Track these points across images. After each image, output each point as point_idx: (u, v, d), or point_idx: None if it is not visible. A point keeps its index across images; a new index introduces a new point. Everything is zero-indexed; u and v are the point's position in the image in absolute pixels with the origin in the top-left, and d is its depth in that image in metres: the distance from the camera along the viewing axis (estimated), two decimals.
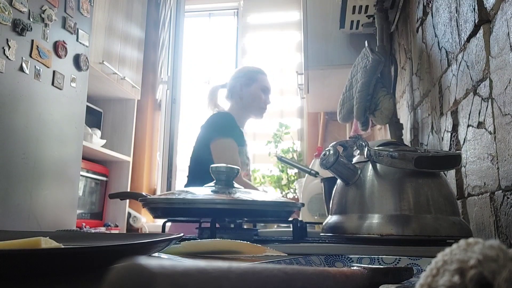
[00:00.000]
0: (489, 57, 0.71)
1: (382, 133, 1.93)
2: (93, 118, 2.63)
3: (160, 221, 1.27)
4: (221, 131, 1.72)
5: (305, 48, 1.94)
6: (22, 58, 1.60)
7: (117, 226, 2.64)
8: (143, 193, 1.02)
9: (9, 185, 1.54)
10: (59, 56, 1.80)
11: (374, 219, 0.69)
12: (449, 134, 0.95)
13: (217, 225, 0.83)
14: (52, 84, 1.76)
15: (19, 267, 0.32)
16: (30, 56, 1.64)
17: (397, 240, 0.66)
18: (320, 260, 0.44)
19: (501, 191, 0.67)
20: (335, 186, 0.81)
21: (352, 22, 1.68)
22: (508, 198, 0.65)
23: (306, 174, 1.50)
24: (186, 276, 0.14)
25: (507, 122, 0.64)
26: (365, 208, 0.71)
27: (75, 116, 1.92)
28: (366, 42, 1.37)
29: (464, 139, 0.85)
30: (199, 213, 0.84)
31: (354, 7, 1.56)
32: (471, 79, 0.80)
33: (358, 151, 0.80)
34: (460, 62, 0.86)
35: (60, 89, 1.80)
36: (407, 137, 1.41)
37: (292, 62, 3.07)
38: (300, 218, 1.01)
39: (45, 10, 1.72)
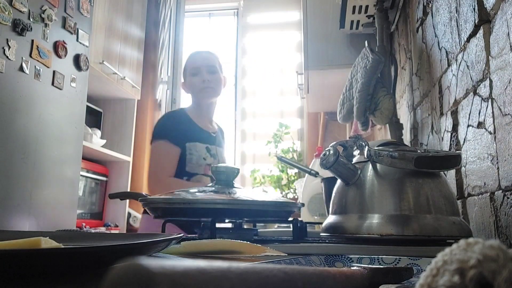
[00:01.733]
0: (489, 57, 0.71)
1: (382, 133, 1.93)
2: (93, 118, 2.63)
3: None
4: (154, 134, 1.66)
5: (305, 48, 1.94)
6: (22, 58, 1.60)
7: (117, 226, 2.64)
8: (143, 193, 1.02)
9: (9, 185, 1.54)
10: (59, 56, 1.80)
11: (374, 219, 0.69)
12: (449, 134, 0.95)
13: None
14: (52, 84, 1.76)
15: (19, 267, 0.32)
16: (30, 56, 1.64)
17: (397, 240, 0.66)
18: (320, 260, 0.44)
19: (501, 191, 0.67)
20: (335, 186, 0.81)
21: (352, 22, 1.68)
22: (508, 198, 0.65)
23: (306, 174, 1.50)
24: (186, 276, 0.14)
25: (507, 122, 0.64)
26: (365, 208, 0.71)
27: (75, 116, 1.92)
28: (366, 42, 1.37)
29: (464, 139, 0.85)
30: (199, 213, 0.84)
31: (354, 7, 1.56)
32: (471, 79, 0.80)
33: (358, 151, 0.80)
34: (460, 62, 0.86)
35: (60, 89, 1.80)
36: (407, 137, 1.41)
37: (292, 62, 3.07)
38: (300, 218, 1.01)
39: (45, 10, 1.71)
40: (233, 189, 0.88)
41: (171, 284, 0.13)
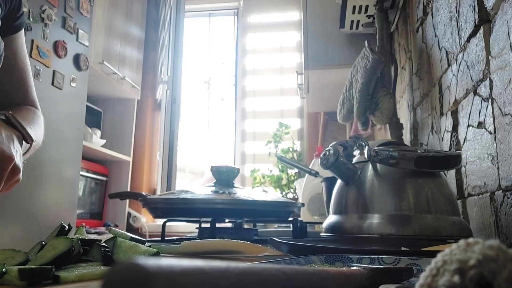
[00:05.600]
0: (489, 57, 0.71)
1: (382, 133, 1.93)
2: (93, 118, 2.63)
3: (160, 221, 1.27)
4: None
5: (305, 48, 1.93)
6: None
7: (117, 226, 2.64)
8: (143, 193, 1.02)
9: None
10: (59, 56, 1.80)
11: (374, 219, 0.69)
12: (449, 134, 0.95)
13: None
14: (52, 84, 1.75)
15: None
16: (30, 56, 1.64)
17: (397, 240, 0.65)
18: (320, 260, 0.44)
19: (501, 191, 0.67)
20: (335, 186, 0.81)
21: (352, 22, 1.68)
22: (508, 198, 0.64)
23: (306, 174, 1.50)
24: (184, 276, 0.14)
25: (507, 122, 0.64)
26: (365, 208, 0.71)
27: (75, 116, 1.92)
28: (366, 42, 1.37)
29: (464, 139, 0.85)
30: (199, 213, 0.84)
31: (354, 7, 1.56)
32: (471, 79, 0.79)
33: (358, 151, 0.80)
34: (460, 62, 0.86)
35: (60, 89, 1.80)
36: (407, 137, 1.41)
37: (292, 62, 3.06)
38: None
39: (45, 10, 1.71)
40: (233, 189, 0.88)
41: (169, 284, 0.13)
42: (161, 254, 0.57)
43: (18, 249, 0.46)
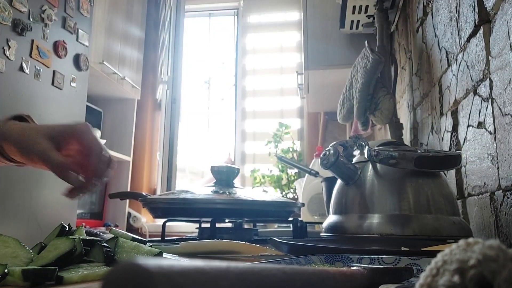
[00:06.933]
0: (489, 57, 0.71)
1: (382, 133, 1.93)
2: (93, 118, 2.63)
3: (160, 221, 1.27)
4: None
5: (305, 48, 1.93)
6: (22, 58, 1.60)
7: (117, 226, 2.64)
8: (143, 193, 1.02)
9: (9, 185, 1.54)
10: (59, 56, 1.79)
11: (374, 219, 0.69)
12: (449, 134, 0.95)
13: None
14: (52, 84, 1.75)
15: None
16: (30, 56, 1.64)
17: (397, 240, 0.65)
18: (320, 260, 0.44)
19: (501, 191, 0.67)
20: (335, 186, 0.81)
21: (352, 22, 1.68)
22: (508, 198, 0.65)
23: (306, 174, 1.50)
24: (184, 276, 0.14)
25: (507, 122, 0.64)
26: (365, 208, 0.71)
27: (75, 116, 1.92)
28: (366, 42, 1.37)
29: (464, 139, 0.85)
30: (199, 213, 0.84)
31: (354, 7, 1.56)
32: (471, 79, 0.79)
33: (358, 151, 0.80)
34: (460, 62, 0.86)
35: (60, 89, 1.80)
36: (407, 137, 1.41)
37: (292, 62, 3.06)
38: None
39: (45, 10, 1.71)
40: (233, 189, 0.88)
41: (170, 284, 0.13)
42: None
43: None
